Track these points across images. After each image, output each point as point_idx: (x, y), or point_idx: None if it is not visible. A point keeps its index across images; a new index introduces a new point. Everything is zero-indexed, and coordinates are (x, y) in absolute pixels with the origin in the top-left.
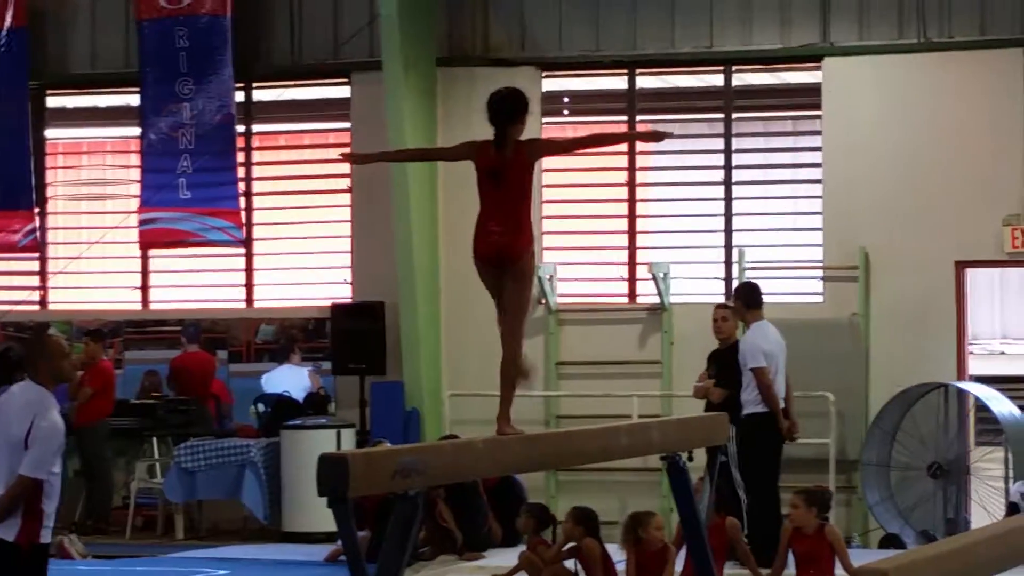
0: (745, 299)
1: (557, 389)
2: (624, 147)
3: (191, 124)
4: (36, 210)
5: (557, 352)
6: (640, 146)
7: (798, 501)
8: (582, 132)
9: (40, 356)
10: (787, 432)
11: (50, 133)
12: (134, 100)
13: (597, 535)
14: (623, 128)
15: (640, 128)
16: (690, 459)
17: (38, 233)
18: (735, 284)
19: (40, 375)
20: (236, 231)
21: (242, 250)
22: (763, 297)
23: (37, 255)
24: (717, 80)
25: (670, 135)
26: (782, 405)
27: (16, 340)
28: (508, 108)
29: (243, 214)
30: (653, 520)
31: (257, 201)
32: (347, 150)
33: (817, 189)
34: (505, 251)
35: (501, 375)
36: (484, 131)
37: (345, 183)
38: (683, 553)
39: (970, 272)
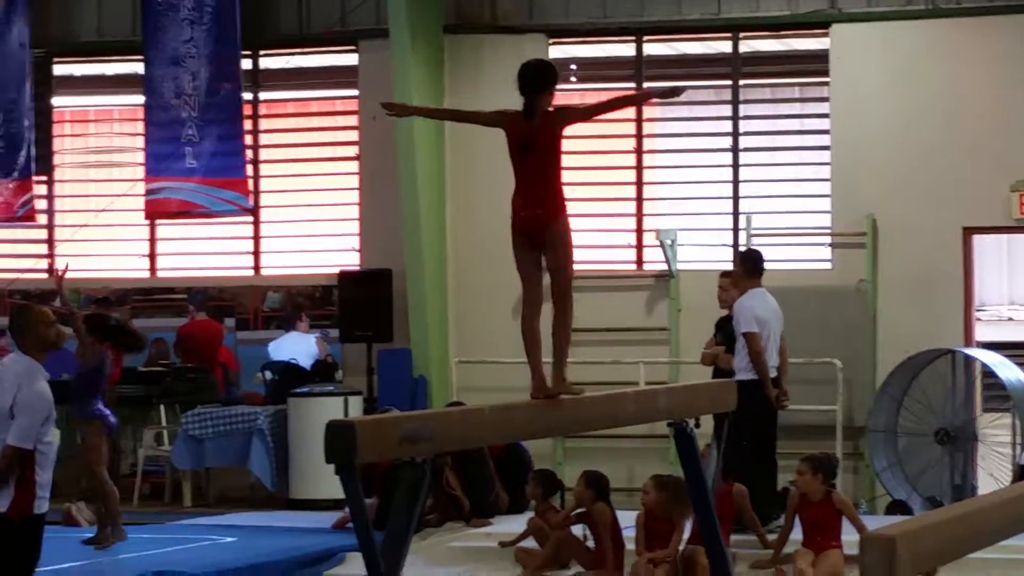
0: (743, 266)
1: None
2: (632, 114)
3: (196, 93)
4: (43, 178)
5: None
6: (647, 113)
7: (804, 468)
8: (590, 99)
9: (25, 326)
10: (776, 401)
11: (57, 101)
12: (141, 68)
13: (608, 500)
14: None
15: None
16: (697, 426)
17: (44, 201)
18: (743, 251)
19: (27, 346)
20: (243, 200)
21: (250, 218)
22: (764, 265)
23: (36, 224)
24: (725, 47)
25: (685, 88)
26: (774, 374)
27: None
28: (537, 79)
29: (250, 182)
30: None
31: (264, 169)
32: (387, 100)
33: (825, 156)
34: (536, 222)
35: (553, 335)
36: (490, 98)
37: (353, 151)
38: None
39: (978, 238)
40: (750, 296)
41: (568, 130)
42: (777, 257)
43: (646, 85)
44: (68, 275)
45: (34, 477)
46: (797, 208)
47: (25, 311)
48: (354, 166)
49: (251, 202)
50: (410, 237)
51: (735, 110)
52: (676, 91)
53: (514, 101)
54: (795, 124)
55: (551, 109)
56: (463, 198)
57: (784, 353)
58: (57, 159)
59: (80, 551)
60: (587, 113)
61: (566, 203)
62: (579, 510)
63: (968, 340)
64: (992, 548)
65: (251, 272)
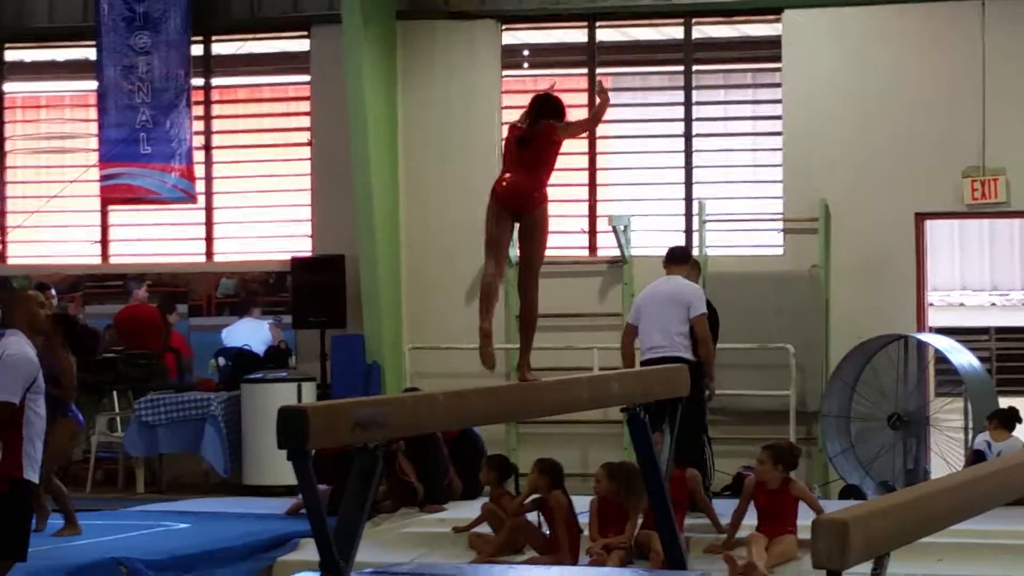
0: (666, 258)
1: (517, 342)
2: (584, 100)
3: (148, 79)
4: None
5: (517, 304)
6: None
7: (764, 458)
8: (543, 85)
9: (16, 306)
10: None
11: (8, 87)
12: (92, 54)
13: (562, 487)
14: (584, 80)
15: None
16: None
17: None
18: (695, 236)
19: (18, 325)
20: (190, 187)
21: (198, 205)
22: (682, 254)
23: None
24: (677, 32)
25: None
26: (649, 355)
27: None
28: (549, 109)
29: (201, 168)
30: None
31: (216, 155)
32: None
33: (777, 141)
34: (523, 194)
35: (521, 324)
36: (443, 84)
37: (305, 136)
38: None
39: (930, 224)
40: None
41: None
42: (729, 243)
43: (599, 71)
44: (20, 261)
45: (21, 439)
46: (750, 194)
47: (16, 292)
48: (306, 152)
49: (195, 189)
50: (363, 223)
51: (688, 96)
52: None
53: (464, 90)
54: (748, 110)
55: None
56: (416, 184)
57: (698, 335)
58: (8, 145)
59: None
60: (580, 130)
61: (548, 196)
62: (534, 496)
63: (920, 325)
64: (944, 532)
65: (203, 258)
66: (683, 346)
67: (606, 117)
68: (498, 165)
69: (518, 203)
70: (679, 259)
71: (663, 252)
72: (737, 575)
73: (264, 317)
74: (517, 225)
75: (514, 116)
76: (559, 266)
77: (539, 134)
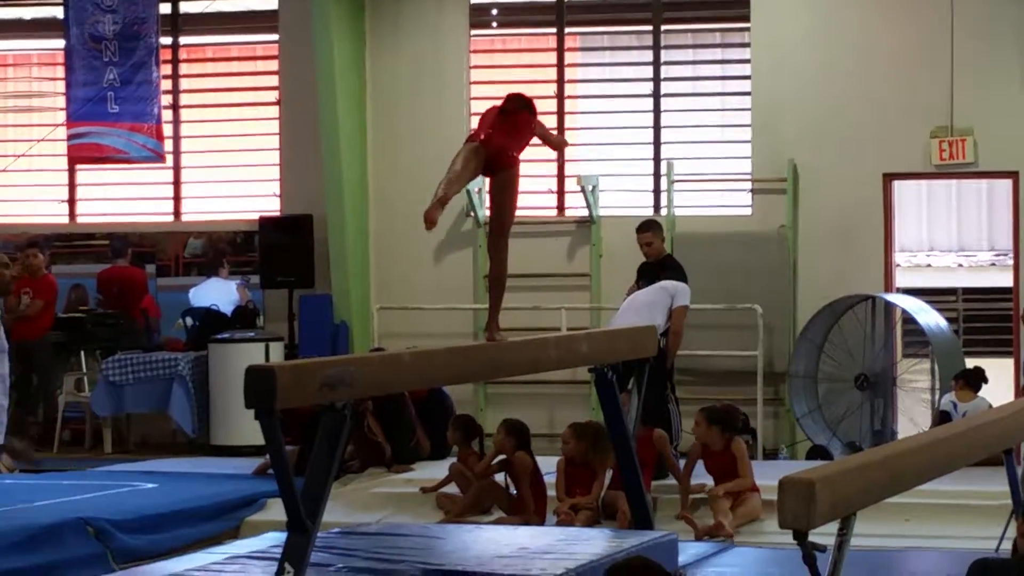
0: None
1: (485, 302)
2: (553, 59)
3: (116, 38)
4: None
5: (485, 265)
6: (568, 58)
7: (699, 419)
8: (511, 44)
9: None
10: None
11: None
12: (60, 12)
13: (528, 448)
14: (553, 39)
15: (568, 40)
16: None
17: None
18: (664, 196)
19: None
20: (158, 146)
21: (166, 164)
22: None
23: None
24: None
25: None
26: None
27: None
28: (523, 106)
29: (169, 127)
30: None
31: (184, 114)
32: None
33: (746, 102)
34: (501, 148)
35: (490, 284)
36: (411, 44)
37: (273, 96)
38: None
39: (897, 184)
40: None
41: (488, 75)
42: (698, 203)
43: (567, 30)
44: None
45: None
46: (718, 154)
47: None
48: (275, 111)
49: (164, 148)
50: (331, 183)
51: (656, 55)
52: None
53: (432, 50)
54: (716, 70)
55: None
56: (385, 144)
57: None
58: None
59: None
60: (545, 137)
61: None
62: (500, 458)
63: (888, 286)
64: (910, 493)
65: (171, 218)
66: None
67: (574, 76)
68: (467, 125)
69: (495, 154)
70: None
71: (631, 213)
72: (703, 536)
73: (232, 277)
74: (487, 181)
75: (483, 76)
76: (527, 226)
77: (521, 112)
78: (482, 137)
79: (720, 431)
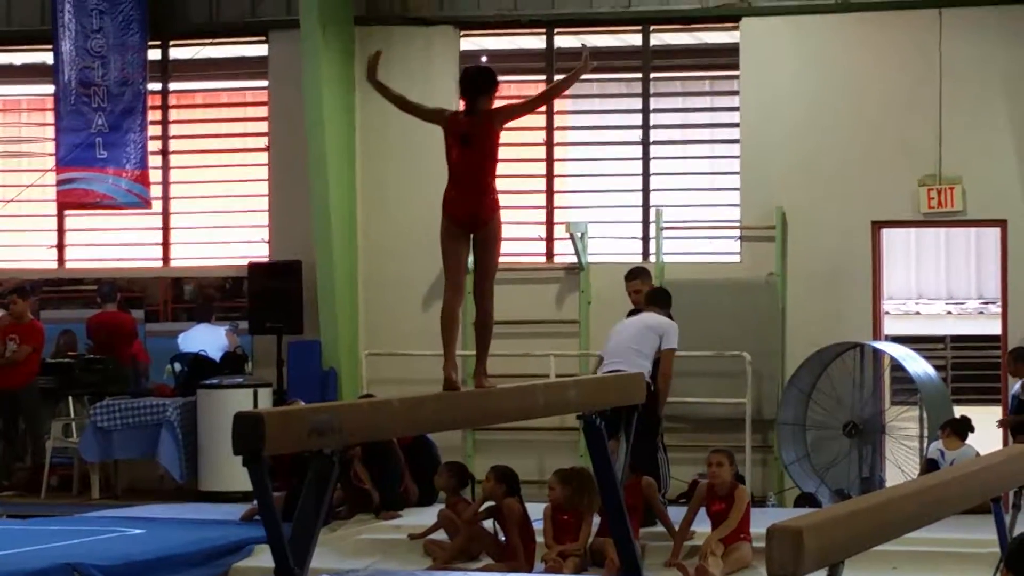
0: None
1: (474, 348)
2: (543, 107)
3: (105, 83)
4: None
5: (473, 312)
6: (558, 105)
7: (723, 459)
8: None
9: None
10: None
11: None
12: (50, 58)
13: (518, 494)
14: (543, 87)
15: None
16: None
17: None
18: (652, 244)
19: None
20: (145, 192)
21: (153, 210)
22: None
23: None
24: (635, 40)
25: (591, 62)
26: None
27: None
28: (478, 81)
29: (159, 173)
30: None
31: (174, 160)
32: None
33: (735, 149)
34: (474, 213)
35: (476, 331)
36: (401, 89)
37: (262, 142)
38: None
39: (886, 232)
40: None
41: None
42: (686, 250)
43: (556, 78)
44: None
45: None
46: (707, 201)
47: None
48: (264, 157)
49: (150, 193)
50: (320, 229)
51: (645, 103)
52: (587, 61)
53: (422, 95)
54: (705, 117)
55: (491, 109)
56: (374, 190)
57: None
58: None
59: None
60: (525, 108)
61: (499, 199)
62: (489, 504)
63: (876, 333)
64: (898, 540)
65: (160, 264)
66: (643, 368)
67: (564, 124)
68: None
69: (472, 222)
70: (659, 301)
71: (620, 259)
72: None
73: (220, 323)
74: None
75: None
76: (516, 272)
77: (479, 128)
78: (453, 208)
79: (734, 473)
